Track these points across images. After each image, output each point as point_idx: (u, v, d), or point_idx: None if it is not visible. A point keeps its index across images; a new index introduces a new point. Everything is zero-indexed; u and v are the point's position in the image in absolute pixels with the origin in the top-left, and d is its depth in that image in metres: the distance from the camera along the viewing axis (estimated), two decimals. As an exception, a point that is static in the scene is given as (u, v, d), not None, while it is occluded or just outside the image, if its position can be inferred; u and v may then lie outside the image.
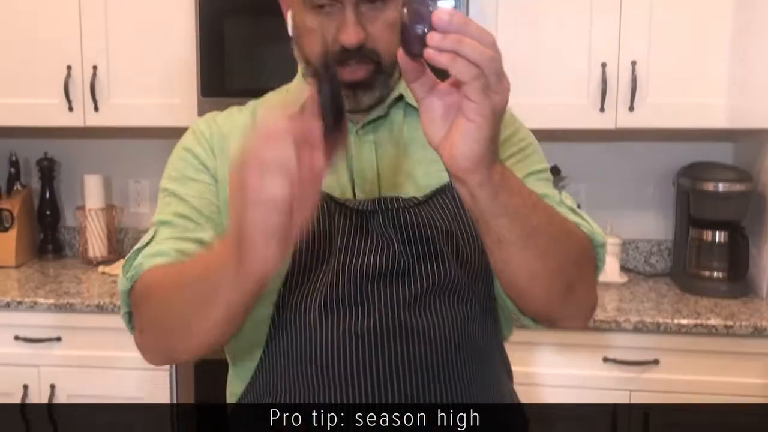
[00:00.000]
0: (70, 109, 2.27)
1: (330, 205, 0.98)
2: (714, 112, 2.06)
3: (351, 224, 0.96)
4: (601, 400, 1.94)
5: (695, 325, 1.88)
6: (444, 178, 1.01)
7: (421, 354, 0.93)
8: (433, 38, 0.68)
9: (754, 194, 2.15)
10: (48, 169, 2.59)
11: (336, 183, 1.01)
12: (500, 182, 0.76)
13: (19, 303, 2.07)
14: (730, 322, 1.88)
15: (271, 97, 1.10)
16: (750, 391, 1.90)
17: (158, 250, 0.94)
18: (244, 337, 1.00)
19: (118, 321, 2.03)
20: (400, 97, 1.05)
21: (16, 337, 2.09)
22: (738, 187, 2.12)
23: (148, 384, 2.06)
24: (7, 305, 2.07)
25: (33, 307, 2.07)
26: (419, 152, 1.02)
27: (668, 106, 2.07)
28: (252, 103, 1.09)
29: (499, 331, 1.05)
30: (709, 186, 2.13)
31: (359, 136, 1.03)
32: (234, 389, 1.04)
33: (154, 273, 0.90)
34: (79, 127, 2.31)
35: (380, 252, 0.95)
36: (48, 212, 2.60)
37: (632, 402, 1.93)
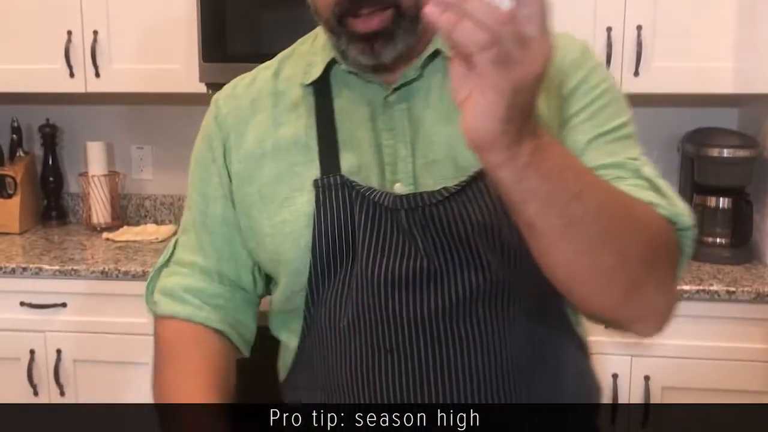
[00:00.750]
0: (71, 74, 2.26)
1: (351, 192, 0.86)
2: (720, 77, 2.03)
3: (374, 219, 0.85)
4: (601, 366, 1.96)
5: (697, 291, 1.89)
6: None
7: (457, 370, 0.84)
8: None
9: (759, 160, 2.14)
10: (50, 136, 2.58)
11: (360, 163, 0.88)
12: (529, 164, 0.62)
13: (24, 269, 2.08)
14: (732, 288, 1.88)
15: (300, 48, 0.98)
16: (752, 357, 1.90)
17: (181, 287, 0.96)
18: (282, 321, 0.97)
19: (122, 287, 2.06)
20: (436, 54, 0.88)
21: (22, 303, 2.11)
22: (743, 153, 2.10)
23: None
24: (12, 271, 2.08)
25: (38, 273, 2.08)
26: None
27: (674, 70, 2.05)
28: (279, 57, 0.99)
29: (564, 313, 0.92)
30: (714, 152, 2.12)
31: (389, 103, 0.89)
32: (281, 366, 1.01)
33: (164, 358, 0.94)
34: (80, 93, 2.30)
35: (407, 257, 0.84)
36: (51, 179, 2.60)
37: (633, 367, 1.95)
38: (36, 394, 2.13)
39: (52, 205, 2.61)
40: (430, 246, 0.84)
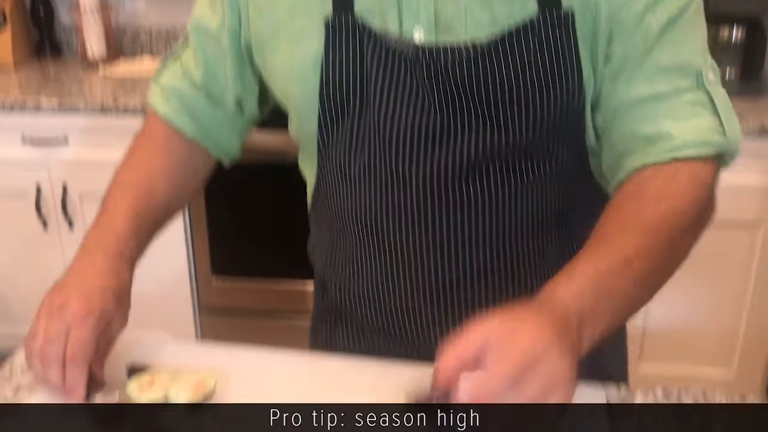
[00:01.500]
0: None
1: (364, 35, 0.79)
2: None
3: (387, 67, 0.79)
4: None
5: (702, 125, 1.87)
6: (530, 9, 0.76)
7: (463, 229, 0.84)
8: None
9: (778, -12, 2.05)
10: (36, -37, 2.46)
11: (376, 2, 0.80)
12: (588, 340, 0.67)
13: (23, 105, 2.06)
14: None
15: None
16: (749, 189, 1.92)
17: (171, 87, 0.96)
18: (302, 156, 0.97)
19: (122, 122, 2.05)
20: None
21: (24, 139, 2.10)
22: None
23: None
24: (11, 107, 2.06)
25: (37, 108, 2.06)
26: None
27: None
28: None
29: (590, 175, 0.89)
30: (732, -22, 2.03)
31: None
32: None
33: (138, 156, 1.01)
34: None
35: (420, 111, 0.80)
36: (41, 9, 2.51)
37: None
38: (45, 227, 2.18)
39: (44, 38, 2.54)
40: (448, 102, 0.79)
